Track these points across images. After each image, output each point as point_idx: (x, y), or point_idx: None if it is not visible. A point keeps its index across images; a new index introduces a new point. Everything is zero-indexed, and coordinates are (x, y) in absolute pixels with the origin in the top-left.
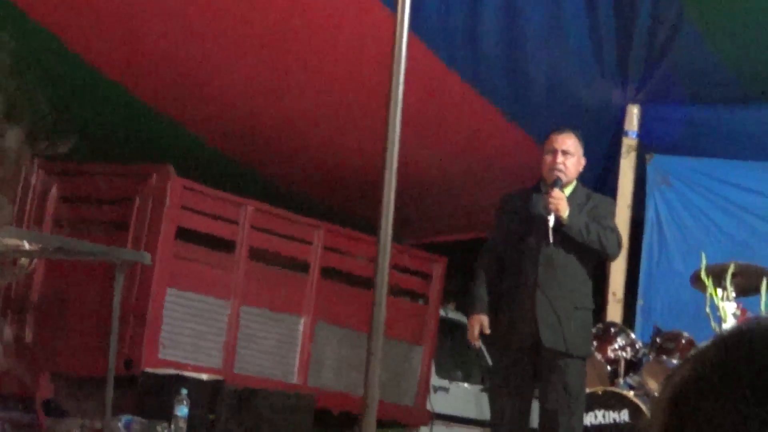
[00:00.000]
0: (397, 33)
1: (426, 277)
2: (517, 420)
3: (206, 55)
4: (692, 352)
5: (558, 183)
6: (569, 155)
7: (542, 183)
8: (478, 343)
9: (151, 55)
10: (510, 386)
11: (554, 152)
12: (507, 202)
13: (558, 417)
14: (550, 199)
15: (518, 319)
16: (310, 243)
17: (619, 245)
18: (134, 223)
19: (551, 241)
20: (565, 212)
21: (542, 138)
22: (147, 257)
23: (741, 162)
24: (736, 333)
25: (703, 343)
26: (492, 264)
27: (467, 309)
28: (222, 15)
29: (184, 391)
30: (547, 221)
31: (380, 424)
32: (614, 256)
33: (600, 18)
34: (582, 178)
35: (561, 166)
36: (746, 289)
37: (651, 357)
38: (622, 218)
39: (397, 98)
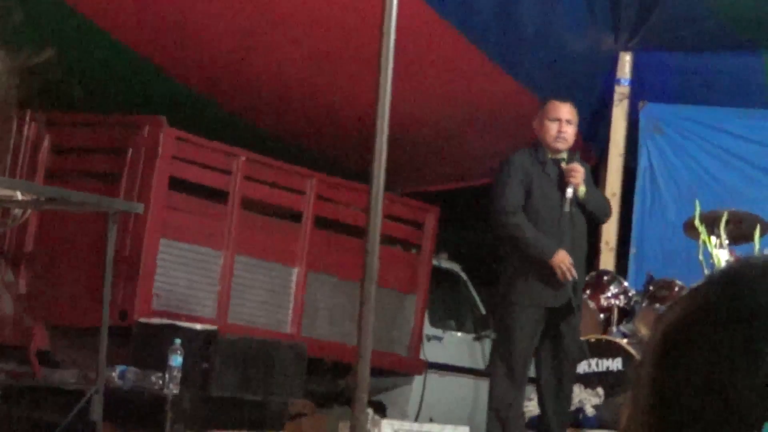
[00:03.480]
0: None
1: (419, 226)
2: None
3: (196, 2)
4: (683, 293)
5: (576, 157)
6: (572, 124)
7: (542, 148)
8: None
9: (141, 3)
10: (532, 342)
11: (559, 121)
12: (519, 166)
13: (576, 365)
14: (572, 173)
15: (553, 279)
16: (302, 193)
17: (611, 210)
18: (127, 174)
19: (567, 210)
20: (582, 185)
21: (534, 85)
22: (139, 207)
23: (733, 109)
24: (727, 273)
25: (693, 284)
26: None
27: (542, 254)
28: None
29: (178, 341)
30: (566, 193)
31: (374, 372)
32: (607, 220)
33: None
34: (576, 125)
35: (567, 136)
36: (739, 236)
37: (644, 305)
38: (615, 166)
39: (389, 46)
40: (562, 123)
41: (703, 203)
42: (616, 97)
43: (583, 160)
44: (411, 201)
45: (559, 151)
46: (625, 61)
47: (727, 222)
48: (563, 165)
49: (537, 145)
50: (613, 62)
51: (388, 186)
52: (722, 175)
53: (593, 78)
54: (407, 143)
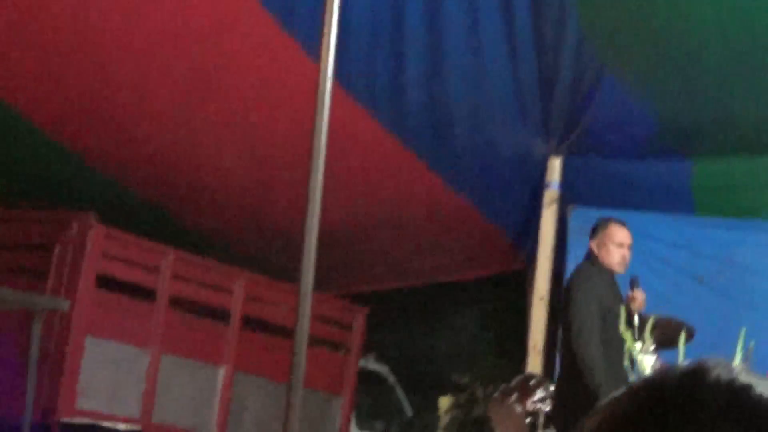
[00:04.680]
0: (320, 83)
1: (347, 326)
2: None
3: (130, 101)
4: (603, 402)
5: (639, 282)
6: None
7: (605, 270)
8: None
9: (70, 98)
10: None
11: (624, 246)
12: (596, 288)
13: None
14: (640, 300)
15: None
16: (231, 292)
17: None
18: (54, 271)
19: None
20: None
21: (465, 189)
22: (65, 304)
23: (661, 215)
24: (647, 383)
25: (614, 393)
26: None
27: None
28: (146, 63)
29: None
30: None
31: None
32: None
33: (523, 70)
34: (506, 229)
35: (628, 261)
36: (665, 342)
37: None
38: (544, 270)
39: (320, 147)
40: (625, 248)
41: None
42: (545, 201)
43: (521, 246)
44: (339, 301)
45: (618, 274)
46: (555, 165)
47: (654, 328)
48: (629, 291)
49: (597, 263)
50: (544, 167)
51: (318, 286)
52: (650, 281)
53: (523, 182)
54: (337, 243)
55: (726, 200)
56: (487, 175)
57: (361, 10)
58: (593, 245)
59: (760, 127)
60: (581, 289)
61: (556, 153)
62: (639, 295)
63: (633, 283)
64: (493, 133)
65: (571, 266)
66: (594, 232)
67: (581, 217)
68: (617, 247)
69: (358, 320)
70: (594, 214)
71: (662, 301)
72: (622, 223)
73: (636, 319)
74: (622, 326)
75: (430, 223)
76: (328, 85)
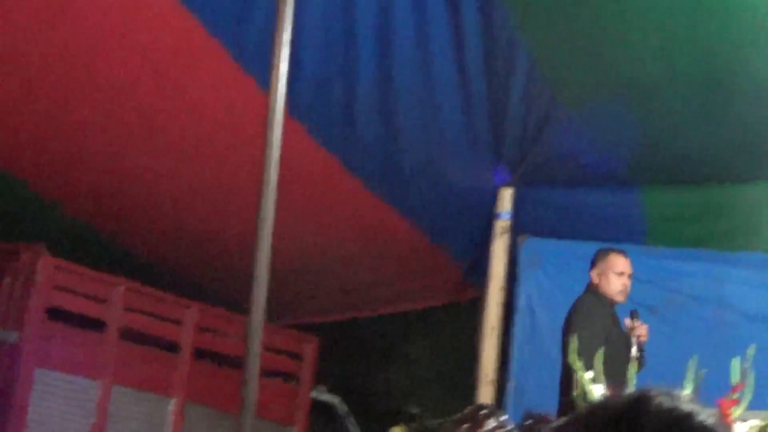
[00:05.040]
0: (270, 114)
1: (298, 357)
2: None
3: (80, 131)
4: (550, 426)
5: (639, 315)
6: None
7: (606, 300)
8: None
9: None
10: None
11: (625, 275)
12: (597, 318)
13: None
14: (642, 331)
15: None
16: (181, 323)
17: None
18: (2, 302)
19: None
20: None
21: (416, 219)
22: (13, 336)
23: (613, 245)
24: (592, 410)
25: (561, 420)
26: None
27: None
28: (95, 93)
29: None
30: (631, 351)
31: None
32: None
33: (473, 101)
34: (457, 259)
35: (628, 290)
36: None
37: None
38: (495, 300)
39: (270, 179)
40: (626, 276)
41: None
42: (496, 231)
43: (471, 275)
44: (290, 332)
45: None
46: (506, 195)
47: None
48: (628, 321)
49: (598, 294)
50: (495, 197)
51: (269, 317)
52: None
53: (475, 212)
54: (289, 274)
55: (676, 230)
56: (439, 206)
57: (313, 42)
58: (594, 275)
59: (708, 157)
60: (584, 322)
61: (507, 183)
62: (640, 327)
63: (633, 315)
64: (444, 164)
65: (522, 296)
66: (594, 262)
67: (532, 248)
68: (618, 276)
69: (309, 351)
70: (545, 244)
71: None
72: (622, 253)
73: (634, 350)
74: (572, 355)
75: (383, 253)
76: (279, 116)
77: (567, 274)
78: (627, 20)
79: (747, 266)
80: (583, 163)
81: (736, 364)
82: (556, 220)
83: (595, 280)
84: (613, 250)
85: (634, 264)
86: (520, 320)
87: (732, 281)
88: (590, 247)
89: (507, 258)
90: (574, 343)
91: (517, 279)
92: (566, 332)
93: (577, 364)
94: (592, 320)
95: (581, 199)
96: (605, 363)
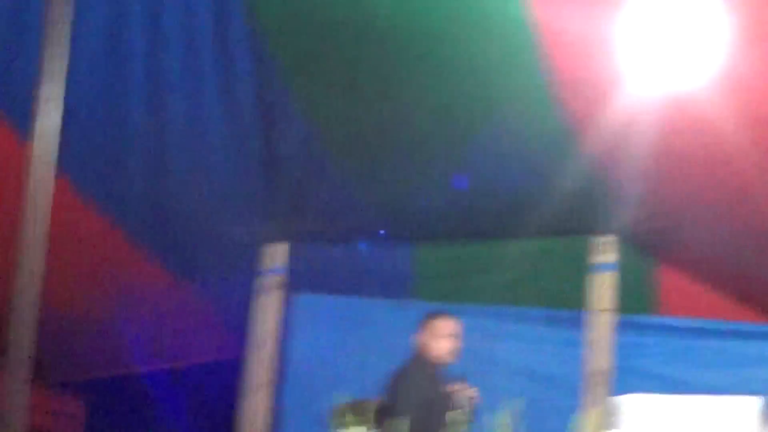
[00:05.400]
0: (34, 165)
1: (68, 416)
2: None
3: None
4: None
5: (465, 378)
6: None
7: (429, 364)
8: None
9: None
10: None
11: (451, 337)
12: (413, 382)
13: None
14: (464, 392)
15: None
16: None
17: None
18: None
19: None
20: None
21: (184, 273)
22: None
23: (383, 300)
24: None
25: None
26: None
27: None
28: None
29: None
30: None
31: None
32: None
33: (247, 157)
34: (227, 315)
35: (456, 350)
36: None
37: None
38: (265, 357)
39: (35, 235)
40: (454, 338)
41: (354, 392)
42: (268, 287)
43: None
44: (56, 391)
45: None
46: (277, 251)
47: (377, 411)
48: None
49: (420, 359)
50: (266, 252)
51: (37, 375)
52: (379, 367)
53: (247, 268)
54: (59, 331)
55: (445, 285)
56: (211, 262)
57: (82, 95)
58: (418, 340)
59: (473, 214)
60: (401, 386)
61: (280, 239)
62: (461, 388)
63: (457, 378)
64: (216, 221)
65: (294, 353)
66: (420, 327)
67: (305, 304)
68: (445, 338)
69: (76, 410)
70: (318, 300)
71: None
72: (447, 315)
73: (455, 409)
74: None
75: (150, 308)
76: (44, 171)
77: (339, 330)
78: (396, 78)
79: (515, 320)
80: (355, 219)
81: (502, 417)
82: (329, 276)
83: (419, 345)
84: (438, 314)
85: (406, 319)
86: (291, 376)
87: (500, 336)
88: (362, 303)
89: (280, 314)
90: (342, 398)
91: (288, 336)
92: (389, 396)
93: (351, 417)
94: (411, 383)
95: (353, 255)
96: (422, 422)
